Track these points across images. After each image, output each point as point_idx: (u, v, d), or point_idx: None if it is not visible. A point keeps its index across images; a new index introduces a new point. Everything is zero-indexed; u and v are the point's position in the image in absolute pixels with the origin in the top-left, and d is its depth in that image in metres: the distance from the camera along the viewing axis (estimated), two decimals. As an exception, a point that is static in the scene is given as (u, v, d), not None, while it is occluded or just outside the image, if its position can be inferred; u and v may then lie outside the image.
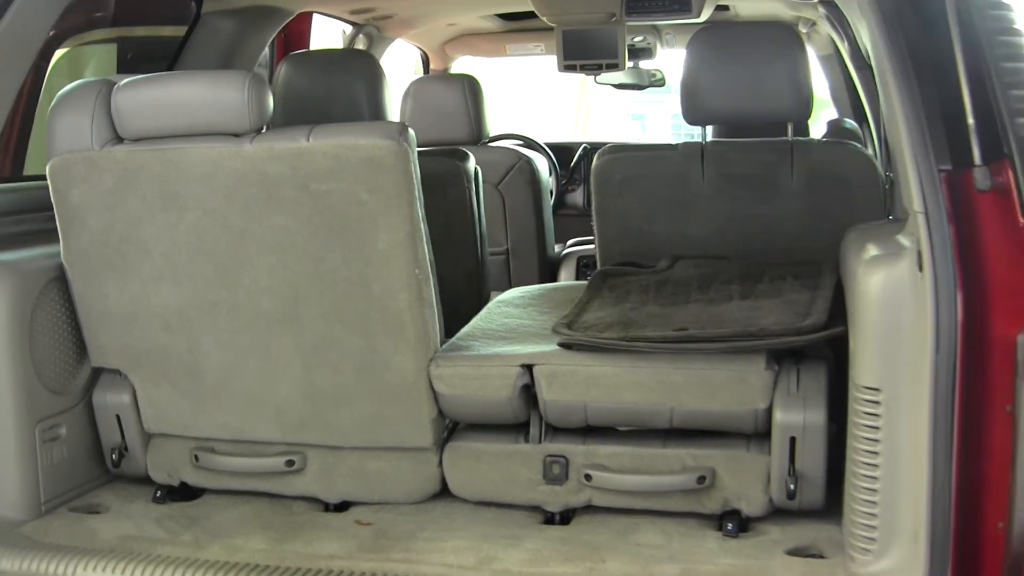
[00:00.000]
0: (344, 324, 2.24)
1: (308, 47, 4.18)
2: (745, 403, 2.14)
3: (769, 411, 2.12)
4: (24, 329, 2.25)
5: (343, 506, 2.39)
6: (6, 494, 2.24)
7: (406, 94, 4.01)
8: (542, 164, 4.30)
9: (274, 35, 3.47)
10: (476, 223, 3.17)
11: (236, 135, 2.17)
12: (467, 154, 3.19)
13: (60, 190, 2.26)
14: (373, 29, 4.17)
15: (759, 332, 2.13)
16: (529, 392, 2.26)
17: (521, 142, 5.13)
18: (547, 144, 5.07)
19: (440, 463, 2.34)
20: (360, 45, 4.22)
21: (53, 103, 2.28)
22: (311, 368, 2.29)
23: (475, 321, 2.57)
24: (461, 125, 3.99)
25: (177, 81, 2.23)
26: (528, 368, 2.24)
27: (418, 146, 3.86)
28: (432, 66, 4.97)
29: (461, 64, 5.11)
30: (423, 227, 2.22)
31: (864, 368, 1.83)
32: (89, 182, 2.23)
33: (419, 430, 2.31)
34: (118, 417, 2.42)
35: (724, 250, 2.88)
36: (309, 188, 2.16)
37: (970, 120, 1.62)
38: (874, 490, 1.85)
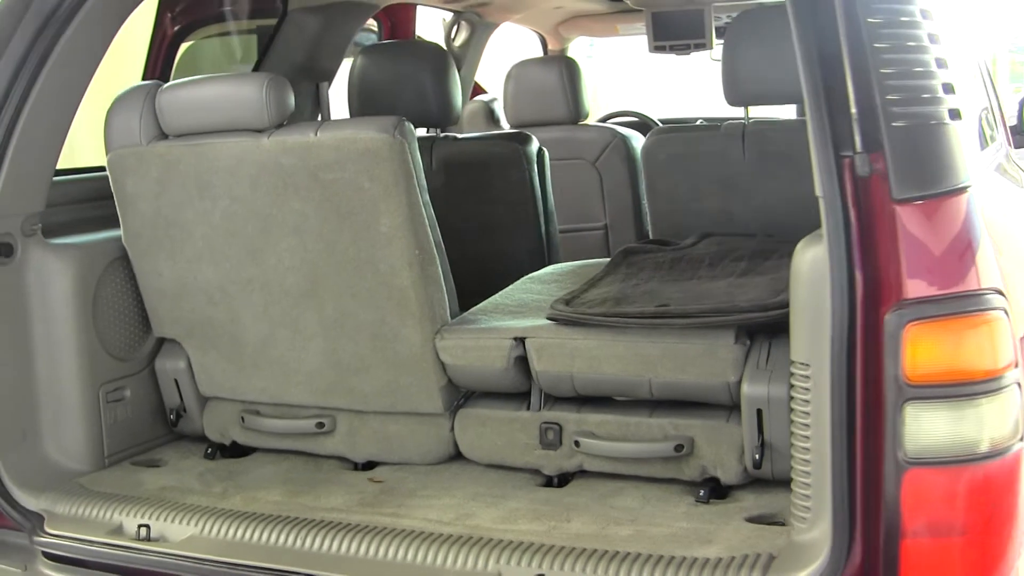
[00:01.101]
0: (357, 299, 2.46)
1: (413, 36, 4.42)
2: (717, 376, 2.24)
3: (740, 384, 2.21)
4: (87, 303, 2.57)
5: (369, 465, 2.62)
6: (72, 448, 2.57)
7: (508, 77, 4.19)
8: (640, 142, 4.39)
9: (358, 29, 3.70)
10: (537, 201, 3.33)
11: (257, 130, 2.41)
12: (529, 137, 3.35)
13: (117, 180, 2.56)
14: (474, 15, 4.36)
15: (728, 308, 2.22)
16: (524, 363, 2.42)
17: (635, 119, 5.23)
18: (665, 120, 5.15)
19: (452, 428, 2.53)
20: (463, 32, 4.42)
21: (111, 104, 2.57)
22: (332, 339, 2.52)
23: (496, 296, 2.74)
24: (559, 105, 4.14)
25: (208, 83, 2.49)
26: (521, 341, 2.40)
27: (520, 126, 4.04)
28: (549, 47, 5.12)
29: (578, 45, 5.24)
30: (424, 211, 2.40)
31: (797, 344, 1.91)
32: (139, 173, 2.53)
33: (430, 397, 2.50)
34: (176, 381, 2.72)
35: (766, 228, 2.94)
36: (319, 177, 2.38)
37: (853, 109, 1.68)
38: (807, 461, 1.92)
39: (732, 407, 2.29)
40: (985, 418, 1.65)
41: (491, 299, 2.72)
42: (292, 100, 2.46)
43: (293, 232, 2.45)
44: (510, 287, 2.84)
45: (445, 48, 4.03)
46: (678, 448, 2.29)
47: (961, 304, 1.64)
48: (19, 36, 2.44)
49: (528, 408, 2.47)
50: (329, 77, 3.59)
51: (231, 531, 2.22)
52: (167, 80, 3.76)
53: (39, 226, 2.53)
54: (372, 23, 4.32)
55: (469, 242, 3.21)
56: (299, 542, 2.15)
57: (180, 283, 2.60)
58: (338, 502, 2.37)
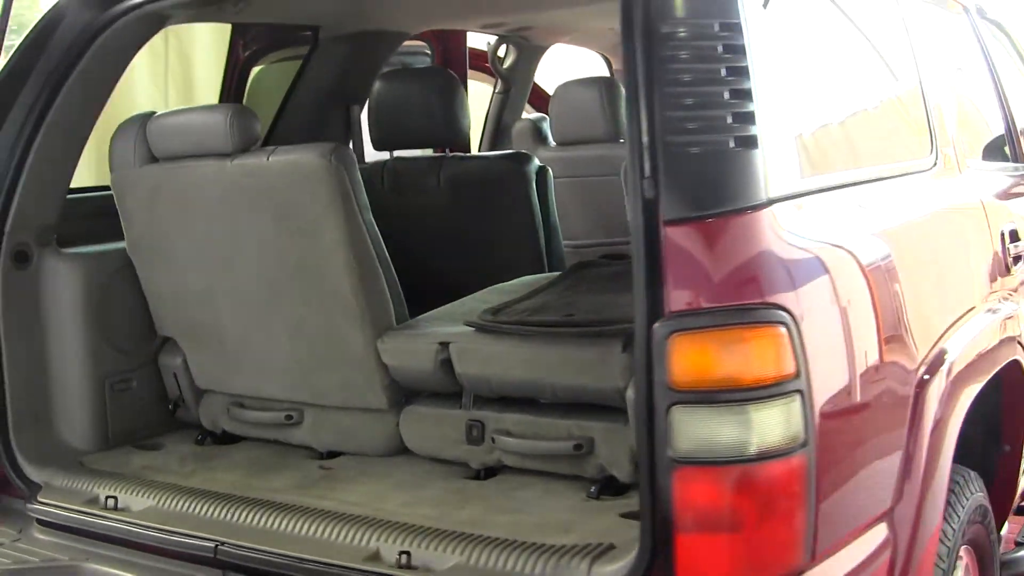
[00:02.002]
0: (309, 306, 2.74)
1: (465, 59, 4.69)
2: (608, 381, 2.41)
3: (626, 389, 2.38)
4: (94, 305, 2.93)
5: (332, 454, 2.89)
6: (78, 430, 2.93)
7: (553, 97, 4.40)
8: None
9: (389, 54, 3.98)
10: (536, 218, 3.54)
11: (225, 155, 2.72)
12: (529, 157, 3.57)
13: (118, 198, 2.92)
14: (519, 39, 4.59)
15: (616, 319, 2.39)
16: (450, 366, 2.65)
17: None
18: None
19: (398, 424, 2.78)
20: (510, 55, 4.66)
21: (114, 131, 2.94)
22: (294, 340, 2.81)
23: (453, 303, 2.97)
24: (598, 124, 4.31)
25: (185, 114, 2.83)
26: (445, 345, 2.63)
27: (565, 144, 4.23)
28: (613, 67, 5.29)
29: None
30: (363, 227, 2.66)
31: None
32: (134, 192, 2.88)
33: (376, 395, 2.76)
34: (175, 375, 3.06)
35: None
36: (272, 196, 2.68)
37: (644, 139, 1.84)
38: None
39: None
40: (754, 423, 1.78)
41: (446, 306, 2.95)
42: (257, 127, 2.76)
43: (256, 245, 2.74)
44: (471, 295, 3.06)
45: (450, 74, 4.23)
46: (577, 447, 2.47)
47: (729, 317, 1.78)
48: (40, 66, 2.82)
49: (460, 407, 2.69)
50: (360, 100, 3.89)
51: (180, 504, 2.53)
52: (240, 102, 4.18)
53: (54, 237, 2.90)
54: (425, 46, 4.61)
55: (473, 255, 3.45)
56: (226, 515, 2.44)
57: (173, 289, 2.94)
58: (279, 484, 2.65)
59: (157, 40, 5.55)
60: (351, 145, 3.98)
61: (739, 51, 1.89)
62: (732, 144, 1.83)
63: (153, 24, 2.94)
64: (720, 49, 1.88)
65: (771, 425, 1.80)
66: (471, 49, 4.83)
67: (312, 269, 2.69)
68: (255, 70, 4.36)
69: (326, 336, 2.75)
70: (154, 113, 2.88)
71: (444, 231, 3.54)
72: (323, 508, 2.43)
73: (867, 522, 2.09)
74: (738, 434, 1.78)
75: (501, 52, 4.66)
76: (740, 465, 1.79)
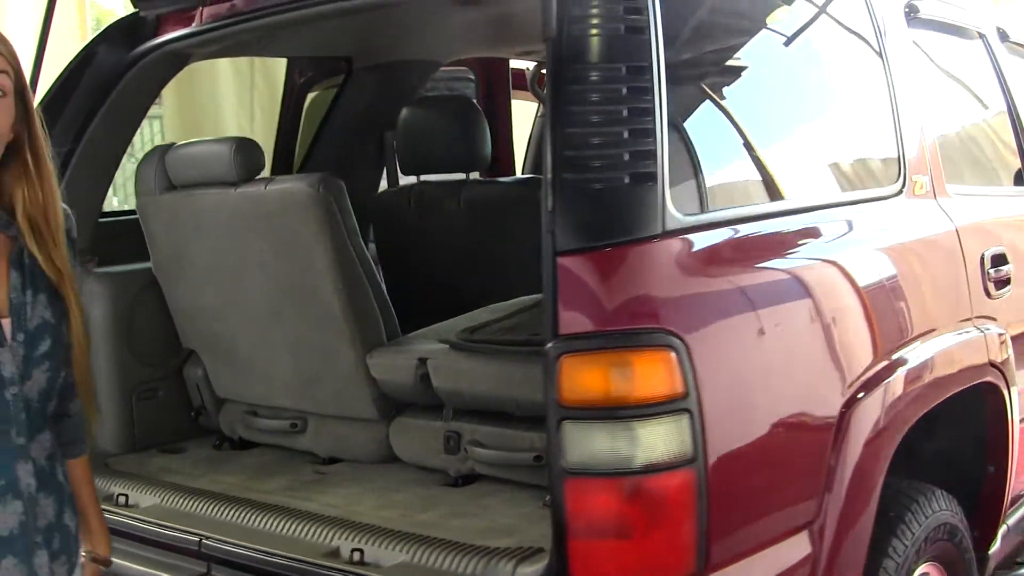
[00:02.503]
0: (306, 323, 2.99)
1: (507, 83, 4.90)
2: (562, 398, 2.58)
3: None
4: (121, 320, 3.23)
5: (332, 460, 3.13)
6: (107, 435, 3.23)
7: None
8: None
9: (423, 82, 4.22)
10: None
11: (230, 183, 2.99)
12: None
13: (143, 221, 3.22)
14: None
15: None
16: (428, 380, 2.86)
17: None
18: None
19: (388, 433, 3.00)
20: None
21: (139, 160, 3.24)
22: (295, 354, 3.06)
23: (447, 321, 3.18)
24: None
25: (196, 146, 3.10)
26: (423, 361, 2.85)
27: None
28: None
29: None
30: (352, 250, 2.89)
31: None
32: (156, 216, 3.17)
33: (367, 406, 2.99)
34: (197, 385, 3.35)
35: None
36: (270, 222, 2.93)
37: (550, 175, 2.02)
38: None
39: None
40: (640, 439, 1.94)
41: (440, 324, 3.16)
42: (259, 158, 3.02)
43: (258, 266, 3.00)
44: (466, 314, 3.26)
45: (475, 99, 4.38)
46: (537, 459, 2.65)
47: (617, 340, 1.94)
48: (73, 101, 3.14)
49: (441, 419, 2.90)
50: (394, 127, 4.12)
51: (180, 503, 2.80)
52: (297, 125, 4.47)
53: (84, 256, 3.21)
54: (467, 71, 4.83)
55: (486, 275, 3.66)
56: (216, 513, 2.70)
57: (192, 305, 3.22)
58: (273, 487, 2.90)
59: (243, 63, 5.93)
60: (384, 170, 4.22)
61: (644, 92, 2.05)
62: (627, 180, 1.99)
63: (177, 62, 3.22)
64: (624, 91, 2.04)
65: (657, 441, 1.95)
66: (518, 70, 5.03)
67: (307, 289, 2.92)
68: (310, 96, 4.64)
69: (321, 351, 2.98)
70: (172, 145, 3.16)
71: (462, 251, 3.75)
72: (303, 509, 2.66)
73: (782, 534, 2.21)
74: (624, 448, 1.94)
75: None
76: (626, 477, 1.95)
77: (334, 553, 2.43)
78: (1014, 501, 3.39)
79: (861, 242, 2.54)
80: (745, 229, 2.21)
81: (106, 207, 3.38)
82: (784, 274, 2.26)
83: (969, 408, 2.96)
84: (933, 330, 2.68)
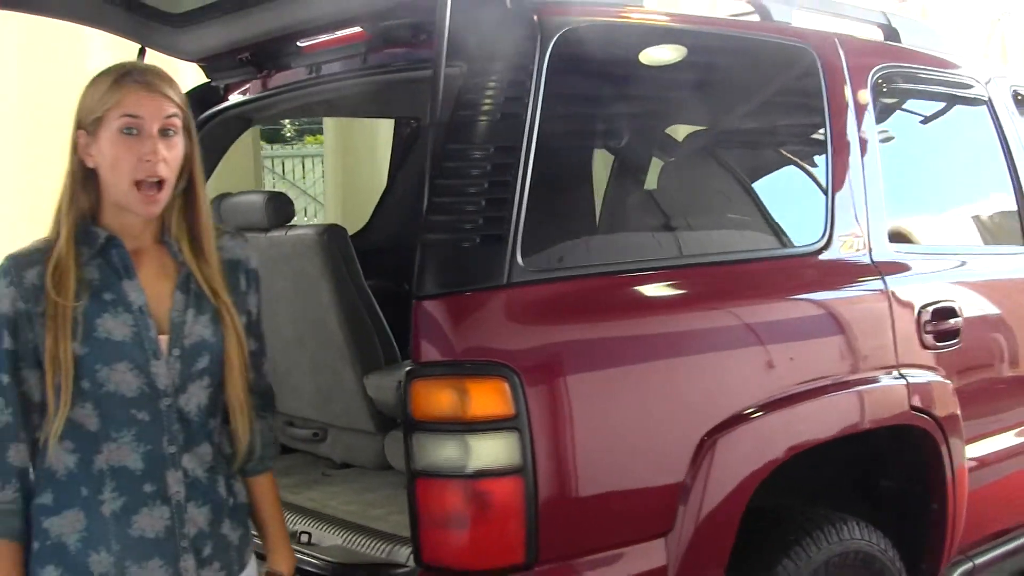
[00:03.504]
0: (320, 348, 3.62)
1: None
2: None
3: None
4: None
5: (345, 465, 3.74)
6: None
7: None
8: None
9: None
10: None
11: (264, 229, 3.66)
12: None
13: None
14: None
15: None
16: None
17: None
18: None
19: (384, 444, 3.59)
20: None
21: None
22: (315, 374, 3.69)
23: None
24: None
25: (240, 196, 3.79)
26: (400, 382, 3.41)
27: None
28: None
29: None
30: (354, 290, 3.49)
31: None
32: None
33: (366, 421, 3.58)
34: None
35: None
36: (289, 263, 3.59)
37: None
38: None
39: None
40: (472, 449, 2.44)
41: None
42: (288, 208, 3.67)
43: (284, 300, 3.66)
44: None
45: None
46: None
47: (457, 369, 2.46)
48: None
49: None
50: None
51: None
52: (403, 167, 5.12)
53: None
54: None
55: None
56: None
57: (244, 329, 3.91)
58: (283, 483, 3.51)
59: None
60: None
61: (507, 169, 2.54)
62: (479, 240, 2.50)
63: (240, 124, 3.92)
64: (489, 167, 2.56)
65: (488, 452, 2.45)
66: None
67: (318, 320, 3.55)
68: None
69: (332, 373, 3.60)
70: (226, 194, 3.85)
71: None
72: (289, 501, 3.27)
73: (630, 539, 2.64)
74: (459, 457, 2.45)
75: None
76: (461, 480, 2.45)
77: (292, 535, 3.02)
78: (986, 539, 3.64)
79: (736, 295, 2.91)
80: (593, 282, 2.66)
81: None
82: (630, 321, 2.69)
83: (916, 450, 3.27)
84: (824, 376, 3.01)
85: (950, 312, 3.41)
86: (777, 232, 3.16)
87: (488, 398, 2.44)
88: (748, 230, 3.13)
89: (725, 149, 3.25)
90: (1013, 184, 3.93)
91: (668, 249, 2.93)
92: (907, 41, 3.85)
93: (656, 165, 3.17)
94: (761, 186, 3.24)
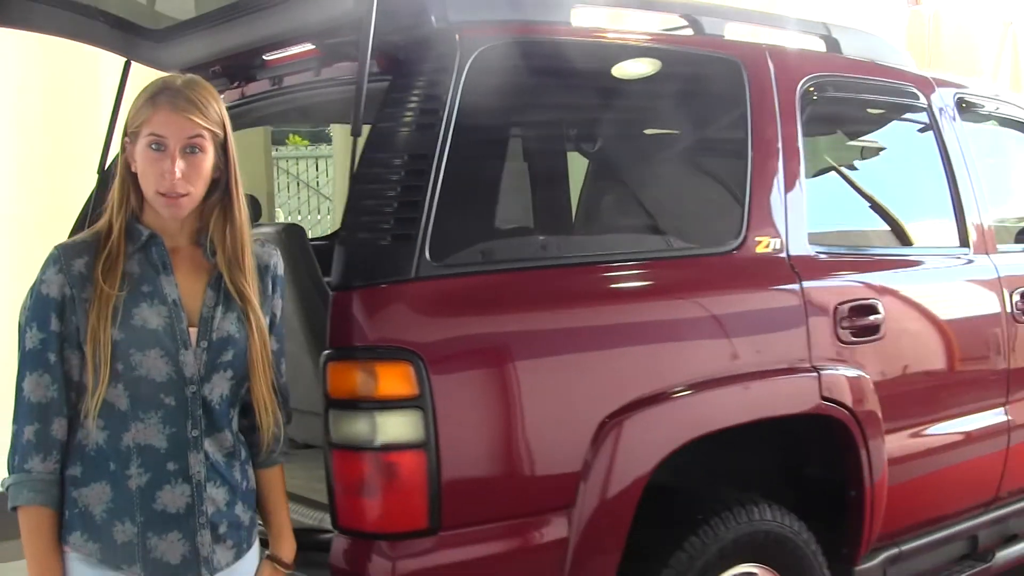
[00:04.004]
0: (293, 342, 3.95)
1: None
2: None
3: None
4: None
5: (307, 446, 4.07)
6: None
7: None
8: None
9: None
10: None
11: None
12: None
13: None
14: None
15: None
16: None
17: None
18: None
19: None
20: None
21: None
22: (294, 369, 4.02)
23: None
24: None
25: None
26: None
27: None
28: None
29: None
30: (309, 280, 3.83)
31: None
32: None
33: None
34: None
35: None
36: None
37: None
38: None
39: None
40: (378, 425, 2.76)
41: None
42: (255, 208, 4.03)
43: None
44: None
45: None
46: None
47: (366, 353, 2.78)
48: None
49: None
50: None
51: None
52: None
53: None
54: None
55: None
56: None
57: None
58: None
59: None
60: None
61: (419, 175, 2.85)
62: (389, 239, 2.83)
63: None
64: (403, 173, 2.88)
65: (393, 428, 2.77)
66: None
67: (299, 323, 3.86)
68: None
69: (294, 359, 3.87)
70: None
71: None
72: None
73: (531, 511, 2.94)
74: (367, 431, 2.77)
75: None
76: (369, 452, 2.78)
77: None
78: (913, 528, 3.90)
79: (642, 291, 3.21)
80: (497, 278, 2.97)
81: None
82: (529, 315, 2.99)
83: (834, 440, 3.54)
84: (729, 367, 3.29)
85: (870, 309, 3.67)
86: (691, 232, 3.44)
87: (394, 380, 2.76)
88: (663, 230, 3.41)
89: (645, 155, 3.54)
90: (950, 188, 4.17)
91: (575, 248, 3.23)
92: (847, 51, 4.10)
93: (579, 171, 3.47)
94: (680, 190, 3.52)
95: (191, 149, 2.27)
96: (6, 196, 6.17)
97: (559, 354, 2.98)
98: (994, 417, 4.20)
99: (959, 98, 4.34)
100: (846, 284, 3.67)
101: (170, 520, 2.31)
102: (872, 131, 4.21)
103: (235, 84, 3.90)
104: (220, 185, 2.36)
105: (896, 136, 4.24)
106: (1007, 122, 4.75)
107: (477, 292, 2.92)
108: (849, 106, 4.05)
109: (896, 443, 3.77)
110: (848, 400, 3.54)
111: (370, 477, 2.78)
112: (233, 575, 2.42)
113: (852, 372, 3.59)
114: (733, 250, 3.42)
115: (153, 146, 2.27)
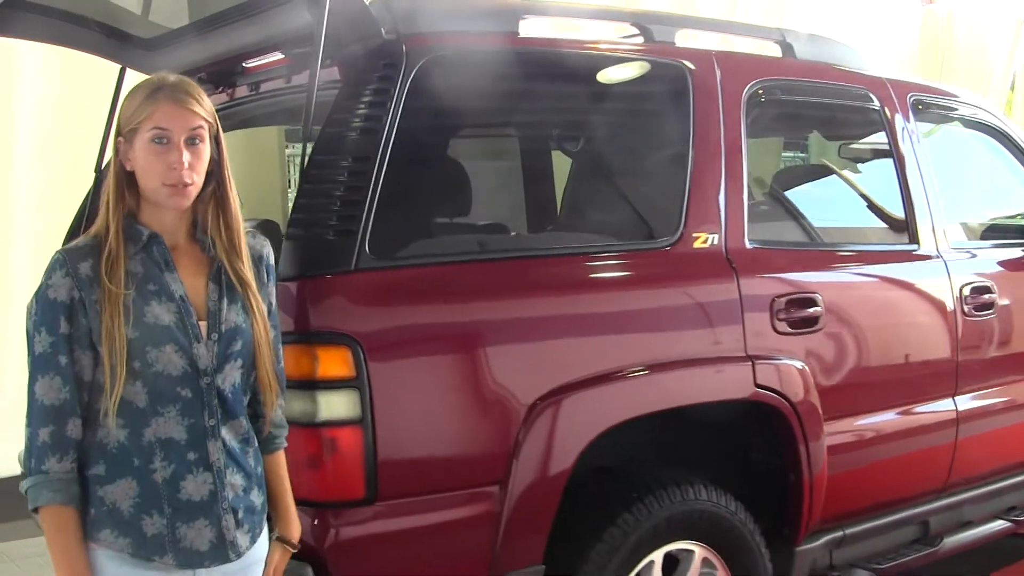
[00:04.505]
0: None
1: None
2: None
3: None
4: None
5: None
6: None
7: None
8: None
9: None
10: None
11: None
12: None
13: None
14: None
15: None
16: None
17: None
18: None
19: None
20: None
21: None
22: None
23: None
24: None
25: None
26: None
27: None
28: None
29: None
30: None
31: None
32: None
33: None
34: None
35: None
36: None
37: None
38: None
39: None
40: (320, 403, 3.06)
41: None
42: None
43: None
44: None
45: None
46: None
47: (310, 337, 3.08)
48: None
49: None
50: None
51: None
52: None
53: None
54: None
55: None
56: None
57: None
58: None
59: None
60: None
61: (361, 176, 3.15)
62: (331, 235, 3.14)
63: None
64: (346, 175, 3.20)
65: (332, 406, 3.07)
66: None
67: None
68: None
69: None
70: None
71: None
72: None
73: (464, 484, 3.24)
74: (310, 409, 3.08)
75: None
76: (313, 428, 3.09)
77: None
78: (860, 512, 4.15)
79: (574, 283, 3.50)
80: (434, 270, 3.27)
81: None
82: (462, 305, 3.28)
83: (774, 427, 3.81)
84: (659, 356, 3.56)
85: (808, 302, 3.93)
86: (630, 228, 3.73)
87: (333, 363, 3.06)
88: (601, 226, 3.70)
89: (587, 156, 3.83)
90: (900, 187, 4.42)
91: (515, 243, 3.54)
92: (802, 55, 4.36)
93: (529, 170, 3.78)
94: (621, 188, 3.81)
95: (193, 140, 2.35)
96: (25, 208, 6.64)
97: (491, 341, 3.27)
98: (942, 408, 4.42)
99: (915, 100, 4.57)
100: (784, 278, 3.91)
101: (196, 508, 2.39)
102: (822, 131, 4.45)
103: (219, 89, 4.24)
104: (214, 176, 2.43)
105: (846, 136, 4.49)
106: (971, 123, 4.97)
107: (414, 284, 3.21)
108: (797, 108, 4.31)
109: (837, 432, 4.02)
110: (784, 389, 3.79)
111: (312, 451, 3.09)
112: (249, 559, 2.50)
113: (789, 362, 3.83)
114: (669, 245, 3.69)
115: (157, 140, 2.33)
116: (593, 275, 3.53)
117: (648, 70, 3.86)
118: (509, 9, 3.66)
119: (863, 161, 4.46)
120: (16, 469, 2.63)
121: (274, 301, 2.65)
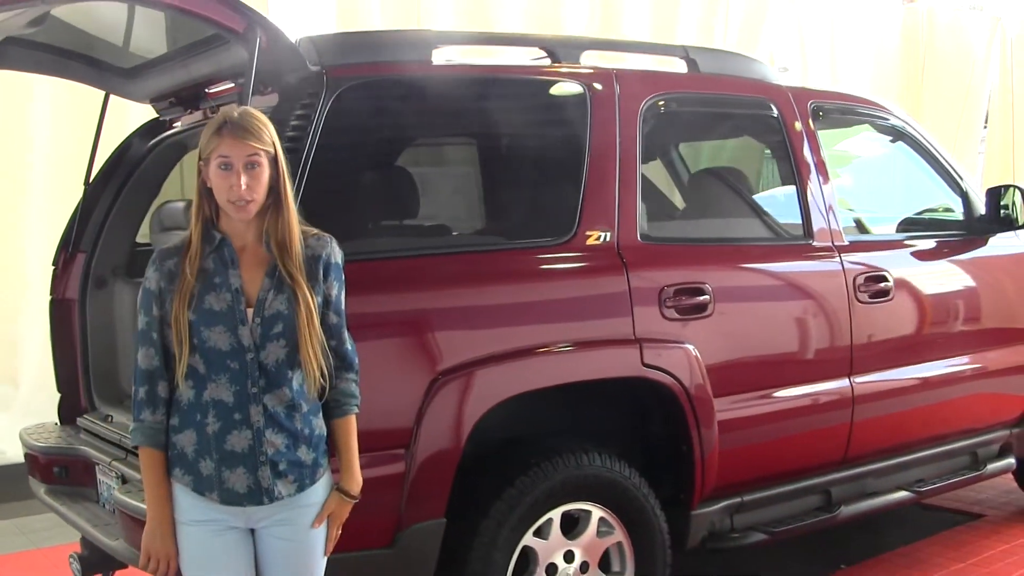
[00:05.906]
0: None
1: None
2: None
3: None
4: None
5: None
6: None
7: None
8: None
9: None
10: None
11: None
12: None
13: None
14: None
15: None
16: None
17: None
18: None
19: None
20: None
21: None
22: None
23: None
24: None
25: (171, 203, 5.26)
26: None
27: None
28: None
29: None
30: None
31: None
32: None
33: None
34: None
35: None
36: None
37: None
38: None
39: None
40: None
41: None
42: None
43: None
44: None
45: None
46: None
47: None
48: (117, 171, 5.35)
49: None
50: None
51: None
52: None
53: (122, 270, 5.44)
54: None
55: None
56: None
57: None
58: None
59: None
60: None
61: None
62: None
63: (179, 149, 5.39)
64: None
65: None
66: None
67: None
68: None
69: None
70: (166, 203, 5.28)
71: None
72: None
73: (373, 448, 3.83)
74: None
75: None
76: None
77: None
78: (758, 480, 4.79)
79: (472, 276, 4.19)
80: (353, 267, 3.91)
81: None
82: (381, 294, 3.92)
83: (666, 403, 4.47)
84: (552, 338, 4.24)
85: (697, 291, 4.59)
86: (528, 228, 4.41)
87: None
88: (501, 227, 4.41)
89: (491, 166, 4.54)
90: (796, 186, 5.07)
91: (426, 244, 4.24)
92: (705, 68, 5.03)
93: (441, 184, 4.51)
94: (521, 193, 4.49)
95: (251, 165, 2.95)
96: (40, 208, 7.42)
97: (402, 326, 3.96)
98: (836, 387, 5.06)
99: (815, 106, 5.22)
100: (673, 270, 4.56)
101: (237, 458, 2.99)
102: (720, 137, 5.13)
103: (187, 110, 5.00)
104: (274, 191, 3.02)
105: (746, 140, 5.15)
106: (879, 127, 5.62)
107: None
108: (695, 117, 4.99)
109: (729, 408, 4.66)
110: (672, 368, 4.43)
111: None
112: (299, 503, 3.06)
113: (677, 345, 4.48)
114: (564, 242, 4.36)
115: (222, 166, 2.96)
116: (493, 268, 4.21)
117: (549, 89, 4.55)
118: (422, 40, 4.36)
119: (762, 163, 5.09)
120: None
121: (335, 293, 3.12)
